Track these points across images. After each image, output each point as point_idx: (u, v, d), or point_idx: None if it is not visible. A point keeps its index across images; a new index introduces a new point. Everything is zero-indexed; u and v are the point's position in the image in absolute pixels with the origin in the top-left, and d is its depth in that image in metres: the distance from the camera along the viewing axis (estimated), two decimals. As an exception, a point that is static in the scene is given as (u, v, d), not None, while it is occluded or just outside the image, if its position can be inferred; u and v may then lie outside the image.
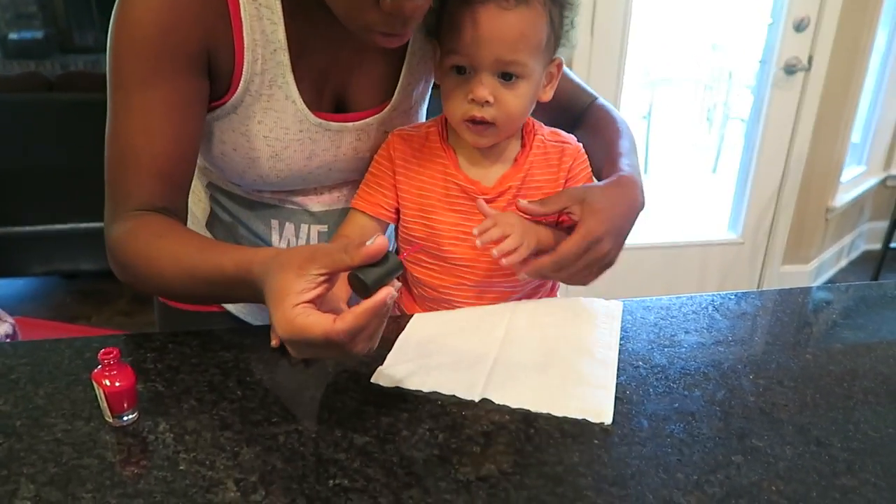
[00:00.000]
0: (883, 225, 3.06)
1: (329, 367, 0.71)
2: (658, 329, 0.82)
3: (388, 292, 0.58)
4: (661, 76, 4.78)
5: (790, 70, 2.51)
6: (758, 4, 2.67)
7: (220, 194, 0.95)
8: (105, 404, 0.61)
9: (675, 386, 0.70)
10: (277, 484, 0.56)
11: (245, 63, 0.77)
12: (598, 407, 0.66)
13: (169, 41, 0.71)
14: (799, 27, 2.45)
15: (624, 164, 0.84)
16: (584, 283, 0.80)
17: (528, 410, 0.66)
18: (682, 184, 4.26)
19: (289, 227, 0.93)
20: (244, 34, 0.75)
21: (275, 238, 0.94)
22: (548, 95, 0.82)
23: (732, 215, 2.86)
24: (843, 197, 2.95)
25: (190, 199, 0.97)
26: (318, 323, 0.57)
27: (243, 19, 0.75)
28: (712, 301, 0.89)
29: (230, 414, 0.64)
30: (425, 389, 0.68)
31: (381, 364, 0.72)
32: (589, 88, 1.01)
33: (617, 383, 0.70)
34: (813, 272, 2.97)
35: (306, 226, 0.93)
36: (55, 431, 0.61)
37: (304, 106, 0.81)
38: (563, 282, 0.81)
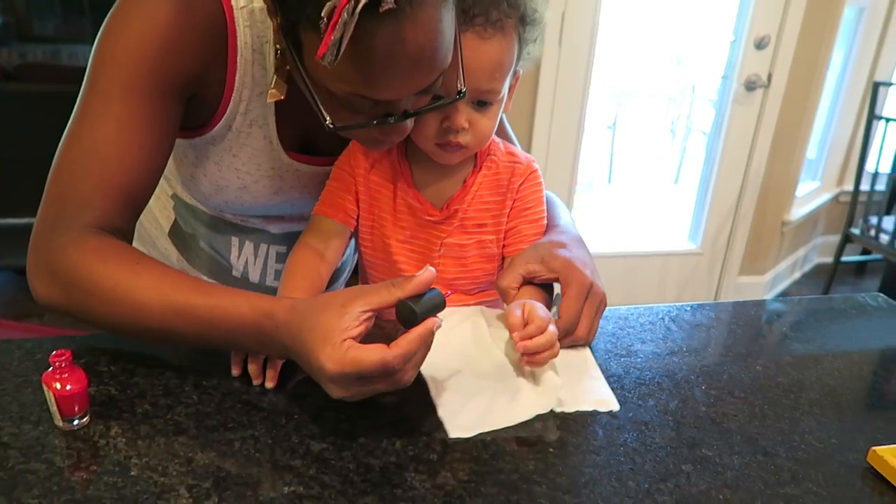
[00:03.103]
0: (835, 239, 3.17)
1: (288, 372, 0.70)
2: (615, 339, 0.83)
3: (434, 322, 0.61)
4: (626, 88, 4.86)
5: (750, 86, 2.58)
6: (721, 22, 2.74)
7: (183, 207, 0.94)
8: (55, 408, 0.60)
9: (629, 395, 0.72)
10: (231, 490, 0.55)
11: (231, 102, 0.77)
12: (603, 396, 0.71)
13: (166, 61, 0.69)
14: (760, 45, 2.53)
15: (558, 226, 0.86)
16: (592, 338, 0.78)
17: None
18: (645, 194, 4.33)
19: (248, 246, 0.94)
20: (236, 77, 0.76)
21: (233, 254, 0.94)
22: (508, 108, 0.82)
23: (692, 226, 2.93)
24: (798, 211, 3.05)
25: (155, 206, 0.96)
26: (373, 352, 0.57)
27: (238, 64, 0.75)
28: (669, 312, 0.91)
29: (185, 419, 0.63)
30: (511, 424, 0.65)
31: (429, 398, 0.69)
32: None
33: (573, 393, 0.71)
34: (768, 283, 3.05)
35: (265, 245, 0.94)
36: (1, 435, 0.59)
37: (280, 147, 0.82)
38: (576, 343, 0.77)
